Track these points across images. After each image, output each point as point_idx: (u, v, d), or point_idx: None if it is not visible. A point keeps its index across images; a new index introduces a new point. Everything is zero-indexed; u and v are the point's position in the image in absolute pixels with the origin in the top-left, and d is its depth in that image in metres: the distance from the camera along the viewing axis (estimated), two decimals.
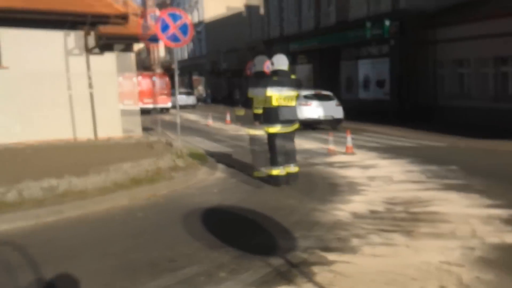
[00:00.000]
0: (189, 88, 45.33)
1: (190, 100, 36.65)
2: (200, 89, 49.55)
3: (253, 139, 8.75)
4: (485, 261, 4.68)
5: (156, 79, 29.65)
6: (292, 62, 29.49)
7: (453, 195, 7.44)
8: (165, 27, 11.88)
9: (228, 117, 22.59)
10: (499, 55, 18.18)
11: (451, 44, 20.08)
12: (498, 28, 17.45)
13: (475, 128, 16.99)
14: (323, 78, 27.69)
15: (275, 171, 8.16)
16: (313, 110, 18.27)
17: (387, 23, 21.50)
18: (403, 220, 6.13)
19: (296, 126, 8.39)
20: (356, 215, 6.37)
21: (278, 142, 8.12)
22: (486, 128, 16.76)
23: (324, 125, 18.81)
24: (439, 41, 20.78)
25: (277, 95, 8.02)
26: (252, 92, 8.34)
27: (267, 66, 8.63)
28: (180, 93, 25.94)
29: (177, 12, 12.29)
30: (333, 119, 18.82)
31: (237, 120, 9.14)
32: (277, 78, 8.12)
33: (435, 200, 7.11)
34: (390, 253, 4.94)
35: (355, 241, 5.29)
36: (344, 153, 11.94)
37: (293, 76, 8.47)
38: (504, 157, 11.61)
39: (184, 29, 11.97)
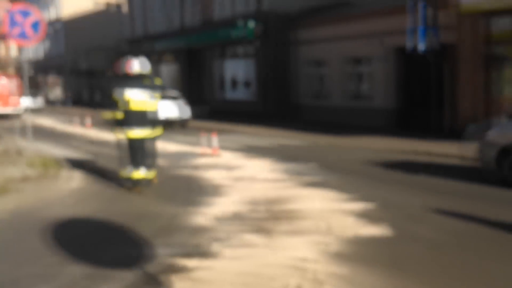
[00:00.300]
0: (43, 90, 42.32)
1: (37, 102, 34.25)
2: (58, 90, 46.45)
3: (120, 143, 8.36)
4: (340, 255, 4.88)
5: (5, 81, 27.04)
6: (158, 61, 29.04)
7: (312, 192, 7.74)
8: (13, 24, 11.06)
9: (88, 121, 21.37)
10: (357, 55, 19.40)
11: (313, 45, 21.09)
12: (356, 30, 18.69)
13: (336, 126, 18.04)
14: (191, 78, 27.55)
15: (136, 176, 7.90)
16: (160, 111, 18.16)
17: (251, 24, 21.97)
18: (264, 219, 6.21)
19: (157, 130, 8.23)
20: (218, 218, 6.31)
21: (139, 146, 7.90)
22: (345, 126, 17.87)
23: (172, 125, 18.87)
24: (301, 42, 21.73)
25: (136, 100, 7.83)
26: (116, 94, 7.97)
27: (130, 68, 8.28)
28: (27, 95, 23.73)
29: (28, 8, 11.43)
30: (180, 119, 19.39)
31: (106, 123, 8.71)
32: (137, 82, 7.96)
33: (295, 198, 7.33)
34: (250, 255, 4.95)
35: (216, 245, 5.22)
36: (210, 155, 11.92)
37: (157, 80, 8.27)
38: (360, 152, 12.41)
39: (35, 26, 11.27)
